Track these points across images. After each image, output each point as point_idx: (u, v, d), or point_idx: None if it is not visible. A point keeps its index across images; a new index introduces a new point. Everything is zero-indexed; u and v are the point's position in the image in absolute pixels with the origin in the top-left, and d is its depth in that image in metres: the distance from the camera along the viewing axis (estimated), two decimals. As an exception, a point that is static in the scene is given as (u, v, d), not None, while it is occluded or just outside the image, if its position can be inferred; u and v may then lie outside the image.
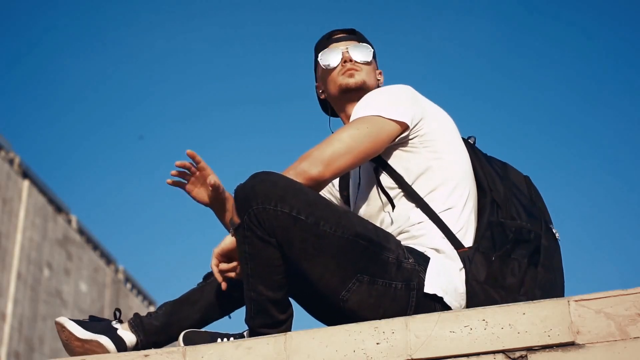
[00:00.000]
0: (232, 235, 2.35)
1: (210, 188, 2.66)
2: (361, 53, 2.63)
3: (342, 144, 2.35)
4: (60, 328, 2.49)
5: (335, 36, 2.70)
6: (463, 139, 2.60)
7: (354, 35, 2.70)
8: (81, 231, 16.72)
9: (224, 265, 2.40)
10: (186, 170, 2.68)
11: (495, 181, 2.48)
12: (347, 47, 2.65)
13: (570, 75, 30.98)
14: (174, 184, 2.70)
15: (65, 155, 31.68)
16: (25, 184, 14.56)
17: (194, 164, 2.67)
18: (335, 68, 2.63)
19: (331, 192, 2.78)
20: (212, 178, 2.66)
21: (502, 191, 2.45)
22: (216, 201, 2.70)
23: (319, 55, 2.67)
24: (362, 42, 2.67)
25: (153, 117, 32.70)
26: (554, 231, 2.45)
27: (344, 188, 2.76)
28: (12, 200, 13.99)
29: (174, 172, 2.70)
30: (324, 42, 2.70)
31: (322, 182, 2.35)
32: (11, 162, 14.45)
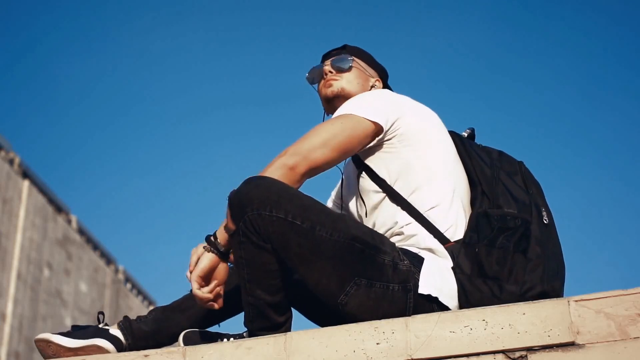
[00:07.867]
0: (208, 251, 2.34)
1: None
2: (340, 63, 2.73)
3: (318, 137, 2.39)
4: (46, 345, 2.41)
5: (323, 56, 2.82)
6: (455, 132, 2.61)
7: (339, 50, 2.79)
8: (81, 231, 16.71)
9: (206, 289, 2.35)
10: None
11: (484, 171, 2.48)
12: (329, 62, 2.75)
13: (570, 75, 31.00)
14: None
15: (65, 155, 31.68)
16: (25, 184, 14.55)
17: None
18: (319, 83, 2.76)
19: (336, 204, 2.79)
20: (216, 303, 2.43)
21: (490, 181, 2.44)
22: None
23: (306, 75, 2.80)
24: (344, 54, 2.76)
25: (152, 117, 32.71)
26: (544, 215, 2.41)
27: (339, 197, 2.76)
28: (12, 200, 13.99)
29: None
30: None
31: (301, 174, 2.34)
32: (11, 162, 14.44)
